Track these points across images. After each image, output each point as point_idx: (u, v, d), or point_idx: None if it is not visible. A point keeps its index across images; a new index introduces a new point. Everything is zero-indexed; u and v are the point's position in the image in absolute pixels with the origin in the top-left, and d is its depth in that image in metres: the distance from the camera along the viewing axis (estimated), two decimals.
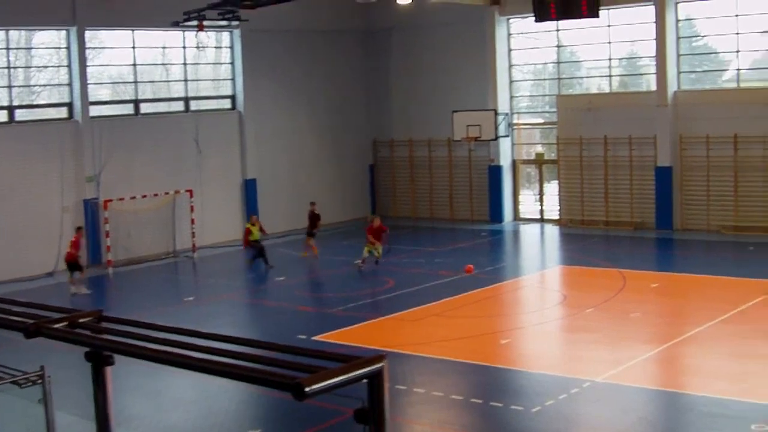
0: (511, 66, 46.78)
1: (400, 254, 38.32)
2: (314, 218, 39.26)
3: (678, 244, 39.27)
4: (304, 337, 25.54)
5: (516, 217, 47.15)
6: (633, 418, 18.68)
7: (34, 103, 39.60)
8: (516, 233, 44.32)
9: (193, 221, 40.80)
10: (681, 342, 23.89)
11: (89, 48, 39.80)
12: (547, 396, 20.03)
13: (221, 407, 20.31)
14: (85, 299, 32.06)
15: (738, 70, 41.58)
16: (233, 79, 44.87)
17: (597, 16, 39.24)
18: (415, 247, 40.44)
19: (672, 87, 41.45)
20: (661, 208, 41.76)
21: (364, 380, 6.00)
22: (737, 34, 40.72)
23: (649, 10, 41.71)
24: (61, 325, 8.51)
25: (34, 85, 40.12)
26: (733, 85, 41.66)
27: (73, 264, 33.40)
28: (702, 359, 22.64)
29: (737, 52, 41.23)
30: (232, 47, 44.69)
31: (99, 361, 8.39)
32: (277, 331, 26.40)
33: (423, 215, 48.99)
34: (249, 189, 44.76)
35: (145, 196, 39.81)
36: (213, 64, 45.36)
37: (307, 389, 5.59)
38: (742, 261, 35.23)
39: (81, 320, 8.65)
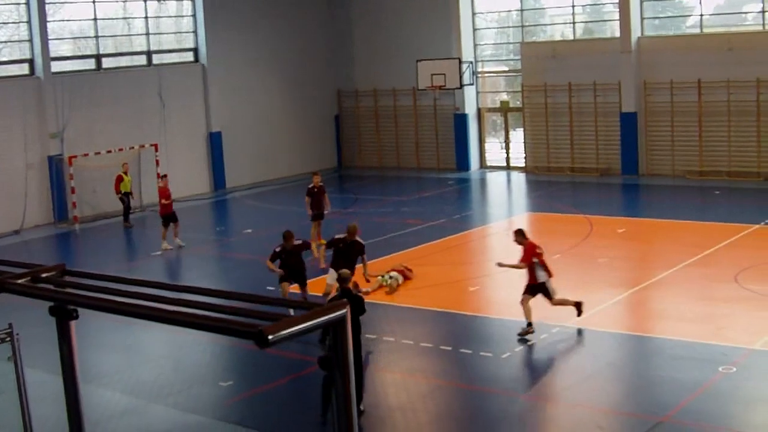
0: (474, 14, 46.62)
1: (366, 204, 38.34)
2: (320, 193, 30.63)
3: (643, 190, 39.42)
4: (273, 288, 25.52)
5: (482, 164, 47.14)
6: (601, 363, 18.83)
7: None
8: (483, 181, 44.33)
9: (158, 175, 40.61)
10: (648, 286, 24.03)
11: (49, 3, 39.32)
12: (516, 342, 20.14)
13: (192, 360, 20.35)
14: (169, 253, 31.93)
15: (701, 15, 41.58)
16: (195, 32, 44.48)
17: None
18: (381, 196, 40.43)
19: (636, 33, 41.44)
20: (627, 154, 41.86)
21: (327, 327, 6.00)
22: None
23: None
24: (23, 280, 8.44)
25: None
26: (697, 30, 41.68)
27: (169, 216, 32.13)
28: (669, 303, 22.78)
29: None
30: None
31: (63, 315, 8.33)
32: (246, 284, 26.34)
33: (389, 164, 48.90)
34: (214, 142, 44.54)
35: (109, 152, 39.51)
36: (175, 16, 44.96)
37: (270, 337, 5.55)
38: (707, 205, 35.43)
39: (44, 275, 8.58)
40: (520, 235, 21.03)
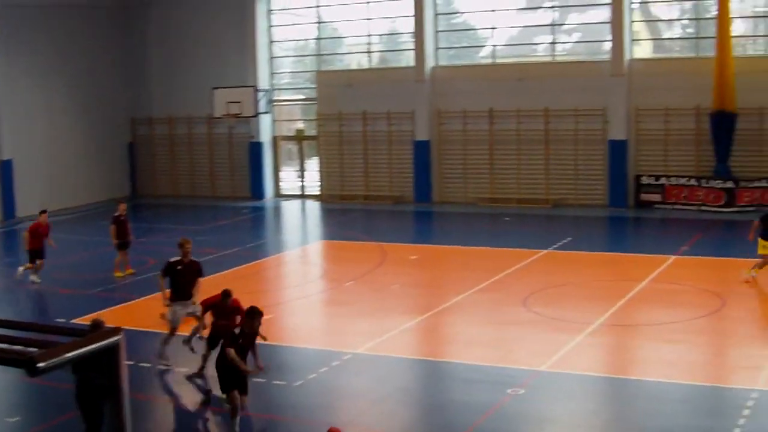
0: (271, 42, 46.71)
1: (161, 233, 37.87)
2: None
3: (437, 217, 40.05)
4: (63, 320, 24.98)
5: (277, 193, 47.19)
6: (391, 387, 18.96)
7: None
8: (277, 209, 44.37)
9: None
10: (440, 312, 24.35)
11: None
12: (309, 369, 20.12)
13: None
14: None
15: (494, 46, 42.58)
16: None
17: None
18: (176, 225, 39.96)
19: (430, 63, 42.17)
20: (420, 182, 42.48)
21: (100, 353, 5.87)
22: (494, 11, 41.76)
23: None
24: None
25: None
26: (490, 61, 42.63)
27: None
28: (460, 327, 23.16)
29: (493, 28, 42.28)
30: None
31: None
32: (35, 316, 25.75)
33: (184, 193, 48.51)
34: (5, 170, 43.38)
35: None
36: None
37: (40, 365, 5.42)
38: (498, 232, 36.19)
39: None
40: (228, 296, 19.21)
